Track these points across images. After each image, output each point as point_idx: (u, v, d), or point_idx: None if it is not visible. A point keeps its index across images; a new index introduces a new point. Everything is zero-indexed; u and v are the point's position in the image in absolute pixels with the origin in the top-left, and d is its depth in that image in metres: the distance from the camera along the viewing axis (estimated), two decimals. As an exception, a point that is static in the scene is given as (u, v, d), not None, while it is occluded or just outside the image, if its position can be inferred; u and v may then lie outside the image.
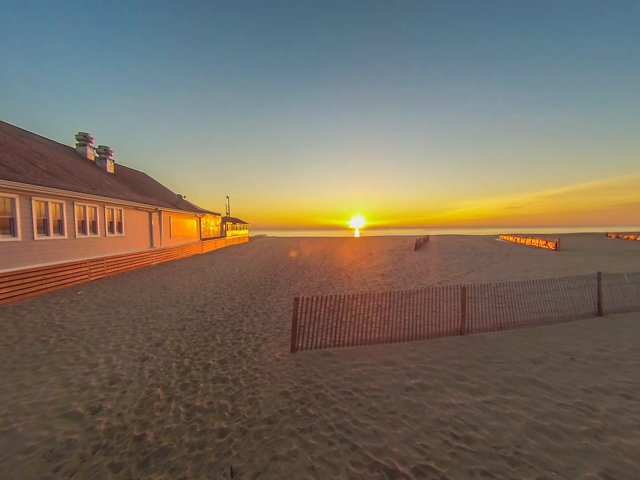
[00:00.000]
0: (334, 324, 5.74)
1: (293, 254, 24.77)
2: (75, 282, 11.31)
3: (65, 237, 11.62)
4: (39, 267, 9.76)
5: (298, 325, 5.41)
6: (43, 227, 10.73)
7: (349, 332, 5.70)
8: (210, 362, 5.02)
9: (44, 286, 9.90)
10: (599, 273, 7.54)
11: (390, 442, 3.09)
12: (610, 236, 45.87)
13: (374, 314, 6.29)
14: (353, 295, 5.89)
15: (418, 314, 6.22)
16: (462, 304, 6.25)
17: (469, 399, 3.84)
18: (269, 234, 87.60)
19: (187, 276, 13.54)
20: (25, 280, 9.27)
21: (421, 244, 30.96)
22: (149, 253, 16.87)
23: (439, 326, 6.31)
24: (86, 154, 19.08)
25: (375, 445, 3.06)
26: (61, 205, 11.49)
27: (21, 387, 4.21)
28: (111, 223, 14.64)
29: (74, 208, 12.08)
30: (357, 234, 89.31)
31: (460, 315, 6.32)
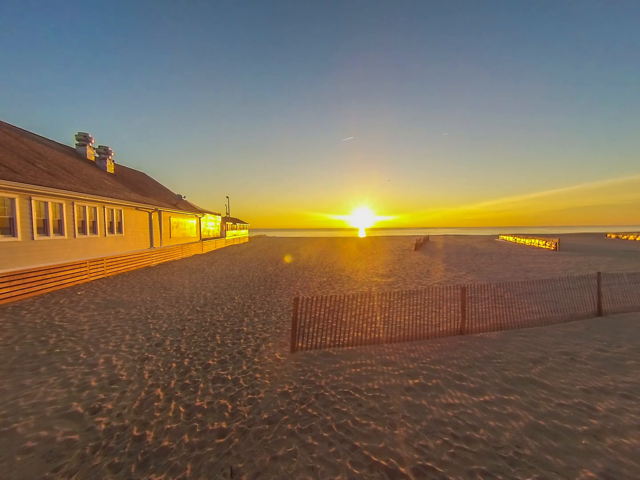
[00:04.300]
0: (334, 324, 5.74)
1: (293, 254, 24.76)
2: (75, 282, 11.30)
3: (65, 237, 11.63)
4: (38, 267, 9.75)
5: (298, 326, 5.41)
6: (43, 227, 10.74)
7: (349, 332, 5.70)
8: (210, 362, 5.02)
9: (43, 286, 9.89)
10: (599, 273, 7.55)
11: (390, 442, 3.09)
12: (610, 236, 45.95)
13: (374, 314, 6.29)
14: (353, 296, 5.89)
15: (418, 314, 6.22)
16: (462, 304, 6.25)
17: (468, 399, 3.84)
18: (269, 234, 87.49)
19: (187, 276, 13.53)
20: (25, 280, 9.26)
21: (421, 244, 30.96)
22: (149, 253, 16.86)
23: (439, 326, 6.31)
24: (86, 154, 19.09)
25: (375, 446, 3.05)
26: (61, 205, 11.50)
27: (21, 387, 4.21)
28: (111, 223, 14.65)
29: (73, 208, 12.08)
30: (353, 235, 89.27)
31: (460, 315, 6.32)
